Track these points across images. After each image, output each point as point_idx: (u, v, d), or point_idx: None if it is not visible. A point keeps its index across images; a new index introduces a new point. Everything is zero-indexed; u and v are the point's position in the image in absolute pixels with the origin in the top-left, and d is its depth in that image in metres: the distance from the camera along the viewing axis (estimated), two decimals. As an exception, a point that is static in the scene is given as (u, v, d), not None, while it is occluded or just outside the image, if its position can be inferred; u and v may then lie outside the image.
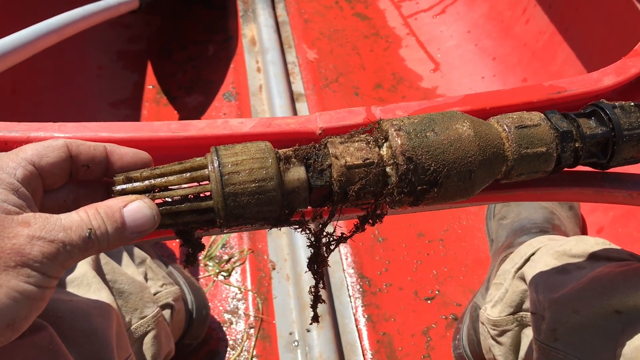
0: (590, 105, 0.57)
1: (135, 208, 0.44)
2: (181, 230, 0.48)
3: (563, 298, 0.74)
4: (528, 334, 0.88)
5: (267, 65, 1.66)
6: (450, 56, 1.76)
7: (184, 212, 0.46)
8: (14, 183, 0.41)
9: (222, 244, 1.31)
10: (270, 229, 0.51)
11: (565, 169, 0.57)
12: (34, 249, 0.39)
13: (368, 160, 0.48)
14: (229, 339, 1.17)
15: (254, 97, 1.64)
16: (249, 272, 1.27)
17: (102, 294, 0.78)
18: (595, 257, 0.81)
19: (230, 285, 1.25)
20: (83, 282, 0.78)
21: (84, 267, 0.79)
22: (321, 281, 0.56)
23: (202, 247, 0.50)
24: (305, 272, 1.18)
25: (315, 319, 0.60)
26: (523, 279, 0.89)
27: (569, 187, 0.61)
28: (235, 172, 0.45)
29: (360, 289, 1.24)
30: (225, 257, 1.30)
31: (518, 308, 0.90)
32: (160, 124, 0.54)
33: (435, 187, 0.49)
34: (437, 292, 1.24)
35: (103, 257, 0.85)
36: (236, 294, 1.24)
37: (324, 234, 0.53)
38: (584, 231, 1.24)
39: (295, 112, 1.56)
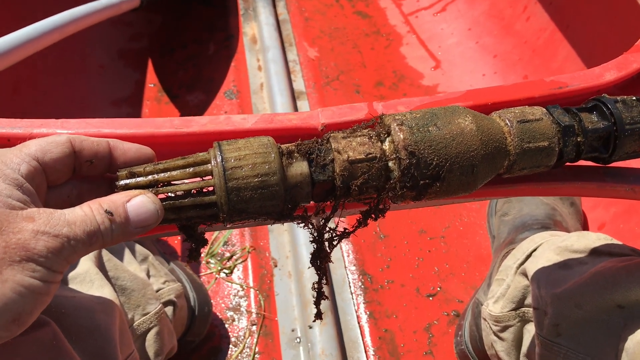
0: (592, 100, 0.57)
1: (139, 203, 0.44)
2: (184, 225, 0.48)
3: (565, 293, 0.75)
4: (530, 330, 0.88)
5: (268, 63, 1.66)
6: (451, 54, 1.76)
7: (187, 206, 0.46)
8: (18, 179, 0.41)
9: (223, 241, 1.31)
10: (273, 223, 0.51)
11: (567, 163, 0.57)
12: (39, 243, 0.39)
13: (370, 155, 0.48)
14: (231, 336, 1.18)
15: (255, 96, 1.64)
16: (250, 270, 1.27)
17: (104, 291, 0.78)
18: (597, 252, 0.81)
19: (232, 283, 1.25)
20: (86, 278, 0.78)
21: (86, 263, 0.79)
22: (324, 277, 0.56)
23: (205, 242, 0.50)
24: (309, 267, 1.18)
25: (319, 315, 0.60)
26: (525, 274, 0.89)
27: (571, 182, 0.61)
28: (238, 167, 0.45)
29: (362, 286, 1.24)
30: (227, 254, 1.30)
31: (520, 304, 0.90)
32: (163, 120, 0.54)
33: (437, 182, 0.49)
34: (438, 288, 1.24)
35: (105, 254, 0.85)
36: (238, 291, 1.24)
37: (327, 229, 0.53)
38: (585, 227, 1.25)
39: (296, 110, 1.57)
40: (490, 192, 0.60)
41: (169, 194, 0.46)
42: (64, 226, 0.40)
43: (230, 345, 1.16)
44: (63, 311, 0.66)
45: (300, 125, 0.55)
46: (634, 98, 0.56)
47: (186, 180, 0.47)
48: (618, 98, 0.56)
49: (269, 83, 1.61)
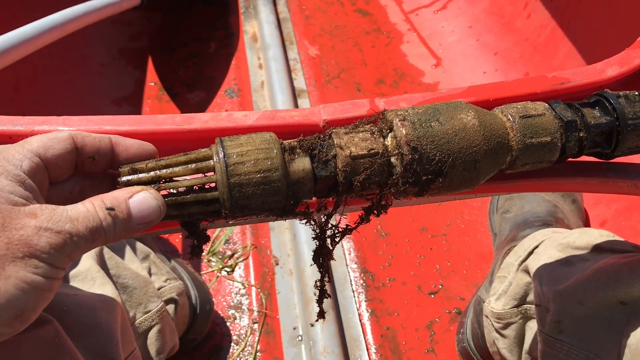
0: (595, 95, 0.57)
1: (141, 199, 0.44)
2: (187, 221, 0.48)
3: (567, 290, 0.74)
4: (532, 327, 0.88)
5: (269, 61, 1.66)
6: (452, 51, 1.76)
7: (189, 203, 0.46)
8: (21, 175, 0.41)
9: (225, 239, 1.31)
10: (275, 220, 0.51)
11: (570, 159, 0.57)
12: (41, 240, 0.39)
13: (373, 151, 0.48)
14: (232, 334, 1.17)
15: (255, 94, 1.64)
16: (252, 268, 1.27)
17: (106, 289, 0.78)
18: (599, 249, 0.81)
19: (233, 281, 1.25)
20: (87, 276, 0.78)
21: (88, 261, 0.79)
22: (326, 275, 0.56)
23: (208, 238, 0.50)
24: (311, 265, 1.19)
25: (321, 314, 0.59)
26: (527, 271, 0.89)
27: (574, 177, 0.61)
28: (241, 163, 0.45)
29: (364, 284, 1.24)
30: (229, 252, 1.30)
31: (522, 300, 0.90)
32: (164, 117, 0.54)
33: (440, 177, 0.49)
34: (440, 286, 1.24)
35: (107, 251, 0.85)
36: (239, 289, 1.24)
37: (329, 226, 0.53)
38: (587, 224, 1.24)
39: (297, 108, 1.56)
40: (492, 188, 0.60)
41: (171, 190, 0.46)
42: (67, 222, 0.40)
43: (232, 344, 1.16)
44: (65, 309, 0.66)
45: (302, 121, 0.55)
46: (637, 93, 0.56)
47: (188, 177, 0.47)
48: (620, 93, 0.56)
49: (270, 81, 1.61)
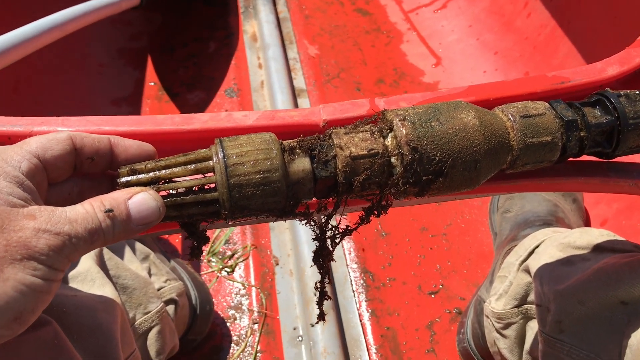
0: (595, 94, 0.57)
1: (140, 200, 0.44)
2: (186, 222, 0.48)
3: (568, 289, 0.74)
4: (533, 327, 0.88)
5: (269, 61, 1.65)
6: (452, 51, 1.76)
7: (189, 203, 0.46)
8: (19, 176, 0.41)
9: (225, 239, 1.31)
10: (275, 220, 0.51)
11: (570, 158, 0.57)
12: (40, 241, 0.39)
13: (373, 151, 0.48)
14: (233, 334, 1.17)
15: (255, 94, 1.64)
16: (252, 268, 1.27)
17: (106, 289, 0.78)
18: (599, 248, 0.80)
19: (233, 281, 1.25)
20: (87, 277, 0.77)
21: (87, 262, 0.79)
22: (326, 276, 0.55)
23: (207, 239, 0.50)
24: (311, 266, 1.18)
25: (322, 317, 0.59)
26: (527, 271, 0.89)
27: (574, 177, 0.60)
28: (240, 164, 0.45)
29: (364, 284, 1.24)
30: (229, 253, 1.30)
31: (523, 300, 0.90)
32: (164, 117, 0.54)
33: (440, 177, 0.49)
34: (440, 286, 1.24)
35: (107, 252, 0.85)
36: (240, 289, 1.24)
37: (329, 227, 0.52)
38: (587, 224, 1.24)
39: (297, 108, 1.56)
40: (493, 188, 0.60)
41: (171, 191, 0.46)
42: (66, 224, 0.40)
43: (232, 344, 1.16)
44: (64, 310, 0.66)
45: (301, 121, 0.55)
46: (637, 92, 0.56)
47: (188, 177, 0.46)
48: (621, 92, 0.56)
49: (270, 81, 1.61)
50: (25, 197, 0.41)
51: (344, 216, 0.53)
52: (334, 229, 0.53)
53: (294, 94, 1.61)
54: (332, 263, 1.26)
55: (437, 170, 0.48)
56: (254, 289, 1.23)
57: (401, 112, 0.50)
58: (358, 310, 1.20)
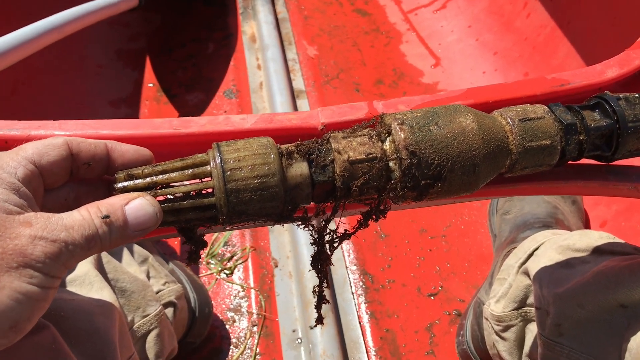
0: (594, 98, 0.57)
1: (137, 206, 0.43)
2: (183, 227, 0.48)
3: (567, 292, 0.74)
4: (532, 329, 0.88)
5: (268, 62, 1.65)
6: (451, 51, 1.75)
7: (186, 209, 0.46)
8: (15, 182, 0.41)
9: (224, 242, 1.31)
10: (273, 225, 0.50)
11: (570, 162, 0.57)
12: (36, 249, 0.39)
13: (371, 155, 0.48)
14: (232, 337, 1.17)
15: (254, 95, 1.63)
16: (251, 270, 1.26)
17: (104, 293, 0.77)
18: (599, 251, 0.80)
19: (232, 283, 1.25)
20: (85, 281, 0.77)
21: (85, 266, 0.79)
22: (325, 280, 0.55)
23: (205, 244, 0.50)
24: (309, 270, 1.18)
25: (320, 320, 0.59)
26: (527, 273, 0.89)
27: (574, 181, 0.60)
28: (238, 168, 0.45)
29: (363, 286, 1.24)
30: (228, 255, 1.29)
31: (522, 303, 0.89)
32: (161, 120, 0.54)
33: (439, 182, 0.49)
34: (440, 288, 1.24)
35: (105, 255, 0.85)
36: (239, 291, 1.24)
37: (327, 231, 0.52)
38: (587, 225, 1.24)
39: (296, 109, 1.56)
40: (491, 192, 0.59)
41: (168, 196, 0.46)
42: (62, 231, 0.40)
43: (231, 347, 1.16)
44: (62, 314, 0.65)
45: (300, 125, 0.55)
46: (637, 95, 0.56)
47: (185, 182, 0.46)
48: (621, 95, 0.55)
49: (269, 82, 1.60)
50: (22, 203, 0.40)
51: (342, 220, 0.52)
52: (332, 233, 0.52)
53: (293, 95, 1.60)
54: (331, 265, 1.26)
55: (435, 174, 0.48)
56: (253, 291, 1.23)
57: (399, 116, 0.49)
58: (357, 312, 1.20)
